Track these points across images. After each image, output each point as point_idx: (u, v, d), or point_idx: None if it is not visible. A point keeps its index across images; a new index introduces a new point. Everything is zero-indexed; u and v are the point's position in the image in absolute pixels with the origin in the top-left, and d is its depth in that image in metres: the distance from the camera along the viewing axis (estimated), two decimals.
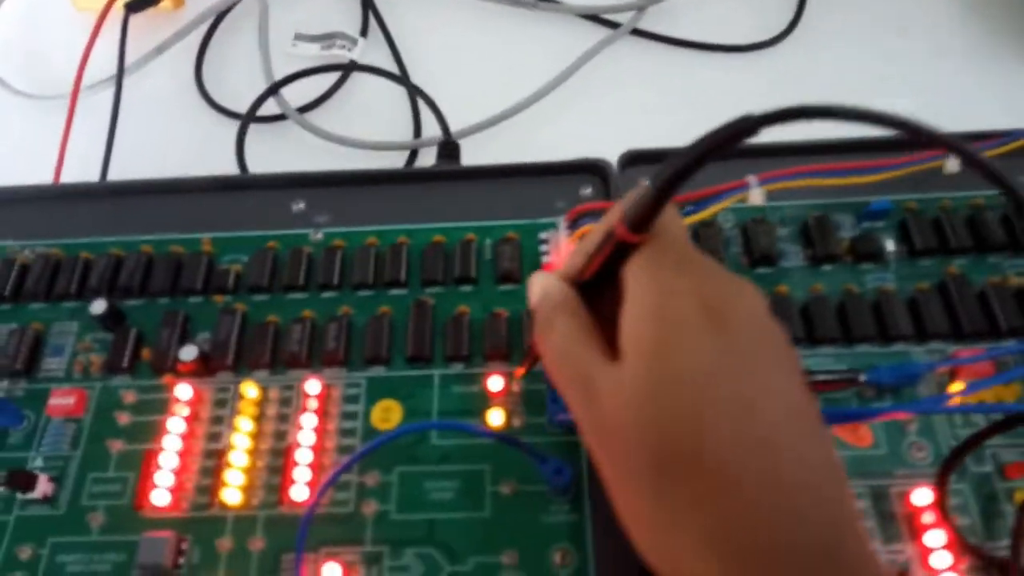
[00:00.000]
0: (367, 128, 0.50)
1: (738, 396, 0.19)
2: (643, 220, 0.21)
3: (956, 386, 0.32)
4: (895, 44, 0.51)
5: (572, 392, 0.23)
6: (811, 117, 0.17)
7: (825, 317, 0.33)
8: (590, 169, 0.39)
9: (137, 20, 0.53)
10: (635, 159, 0.38)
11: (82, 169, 0.48)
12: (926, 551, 0.28)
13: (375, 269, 0.37)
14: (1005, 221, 0.35)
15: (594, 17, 0.53)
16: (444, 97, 0.49)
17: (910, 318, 0.33)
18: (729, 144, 0.18)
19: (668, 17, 0.53)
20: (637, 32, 0.52)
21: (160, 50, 0.53)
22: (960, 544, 0.28)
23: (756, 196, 0.31)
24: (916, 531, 0.29)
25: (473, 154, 0.46)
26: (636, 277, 0.22)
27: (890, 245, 0.35)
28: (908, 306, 0.33)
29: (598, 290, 0.24)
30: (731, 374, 0.19)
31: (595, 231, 0.24)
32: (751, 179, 0.31)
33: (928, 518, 0.29)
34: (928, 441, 0.31)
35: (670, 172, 0.19)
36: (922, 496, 0.29)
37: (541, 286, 0.25)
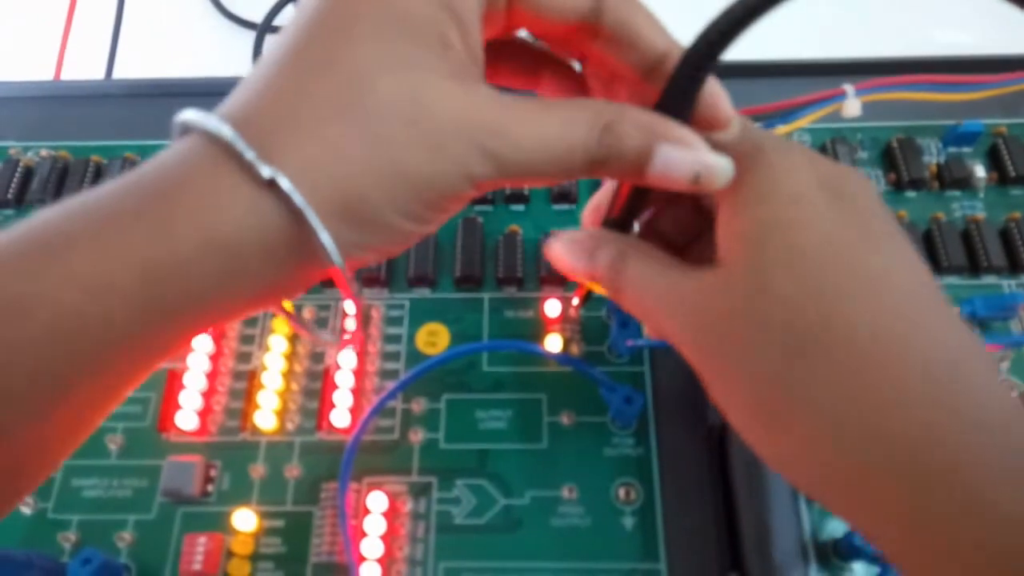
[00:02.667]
0: None
1: (867, 267, 0.17)
2: (679, 109, 0.18)
3: None
4: None
5: (673, 323, 0.20)
6: None
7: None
8: None
9: None
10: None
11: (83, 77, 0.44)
12: None
13: None
14: None
15: None
16: None
17: (1002, 248, 0.31)
18: None
19: None
20: None
21: None
22: None
23: (852, 107, 0.28)
24: None
25: None
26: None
27: (980, 171, 0.32)
28: (1000, 236, 0.31)
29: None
30: (857, 245, 0.18)
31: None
32: (848, 87, 0.28)
33: None
34: (1020, 379, 0.29)
35: (703, 43, 0.16)
36: None
37: (584, 248, 0.21)
